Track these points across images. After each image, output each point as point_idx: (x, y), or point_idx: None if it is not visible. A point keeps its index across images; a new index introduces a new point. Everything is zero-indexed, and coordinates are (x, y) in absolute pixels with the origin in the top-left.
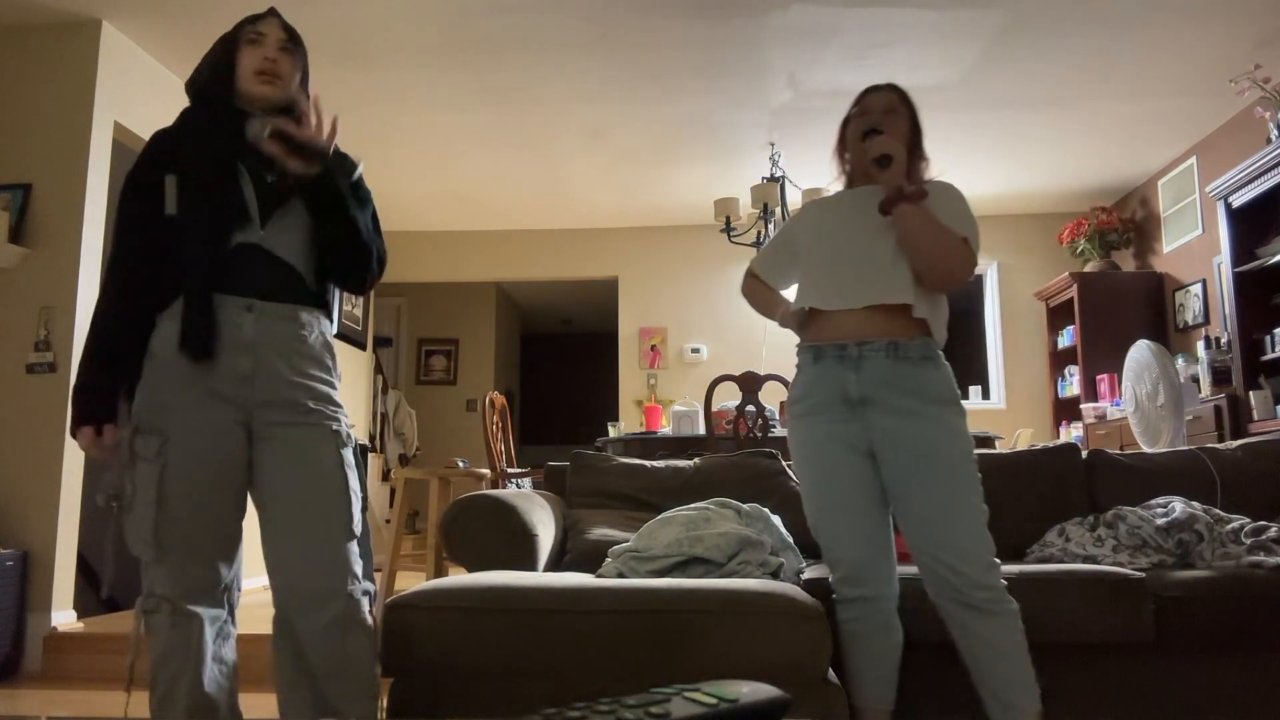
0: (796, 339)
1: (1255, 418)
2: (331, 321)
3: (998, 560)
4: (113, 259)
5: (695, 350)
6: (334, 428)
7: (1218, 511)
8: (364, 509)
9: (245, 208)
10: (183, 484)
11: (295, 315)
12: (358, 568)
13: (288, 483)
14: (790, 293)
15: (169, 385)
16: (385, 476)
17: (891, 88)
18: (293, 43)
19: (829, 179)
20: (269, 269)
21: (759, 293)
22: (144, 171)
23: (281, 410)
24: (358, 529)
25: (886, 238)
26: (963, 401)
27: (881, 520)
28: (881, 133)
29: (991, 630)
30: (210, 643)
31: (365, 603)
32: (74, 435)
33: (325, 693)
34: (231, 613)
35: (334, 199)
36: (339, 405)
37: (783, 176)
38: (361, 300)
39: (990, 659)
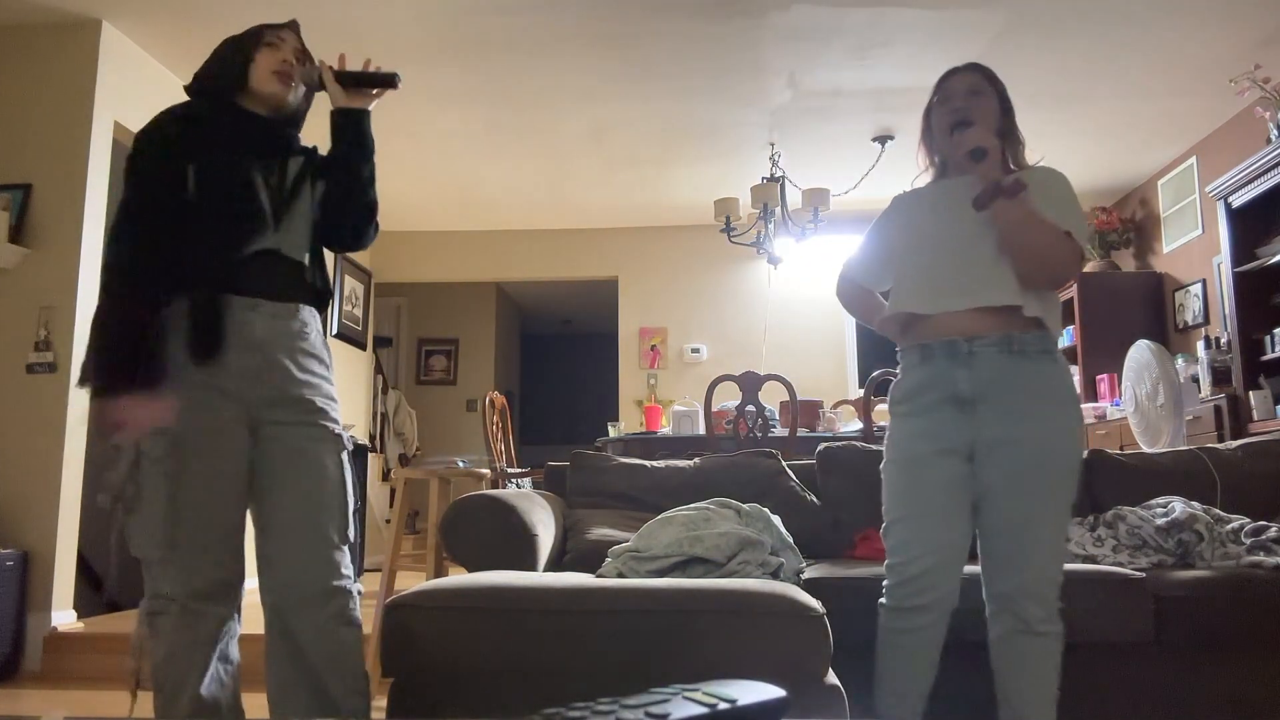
0: (805, 336)
1: (1255, 418)
2: (326, 318)
3: (1062, 579)
4: (125, 234)
5: (695, 350)
6: (335, 430)
7: (1218, 511)
8: (357, 511)
9: (264, 215)
10: (192, 483)
11: (297, 313)
12: (348, 569)
13: (289, 482)
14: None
15: (175, 387)
16: (385, 476)
17: (975, 67)
18: (306, 56)
19: (836, 178)
20: (278, 270)
21: (855, 297)
22: (157, 147)
23: (287, 409)
24: (352, 534)
25: (987, 234)
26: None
27: (968, 531)
28: (971, 123)
29: (1034, 647)
30: (218, 643)
31: (356, 601)
32: (115, 414)
33: (325, 689)
34: (238, 610)
35: (361, 139)
36: (336, 402)
37: (783, 176)
38: (361, 300)
39: (1023, 677)
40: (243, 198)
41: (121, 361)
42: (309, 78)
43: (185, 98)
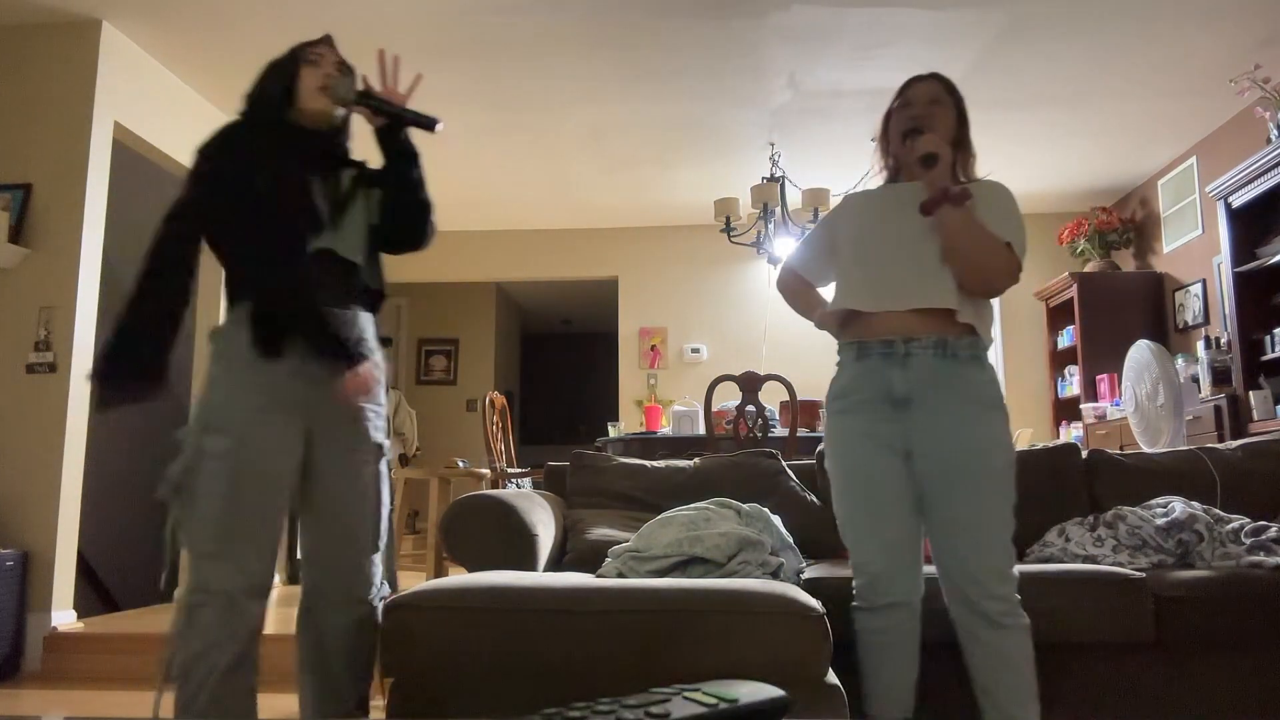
0: (805, 336)
1: (1255, 418)
2: (375, 319)
3: (1015, 574)
4: (170, 235)
5: (695, 350)
6: (376, 440)
7: (1218, 511)
8: (390, 516)
9: (319, 214)
10: (249, 481)
11: (355, 320)
12: (377, 576)
13: (332, 490)
14: (827, 290)
15: (239, 386)
16: None
17: (936, 77)
18: (345, 68)
19: (836, 178)
20: (337, 273)
21: (796, 290)
22: (224, 154)
23: (335, 414)
24: (382, 542)
25: (931, 239)
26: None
27: (915, 525)
28: (920, 131)
29: (1001, 642)
30: (251, 639)
31: (380, 607)
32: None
33: (335, 674)
34: (265, 610)
35: (406, 150)
36: (383, 407)
37: (783, 176)
38: None
39: (996, 670)
40: (301, 201)
41: (144, 355)
42: (342, 96)
43: (187, 96)
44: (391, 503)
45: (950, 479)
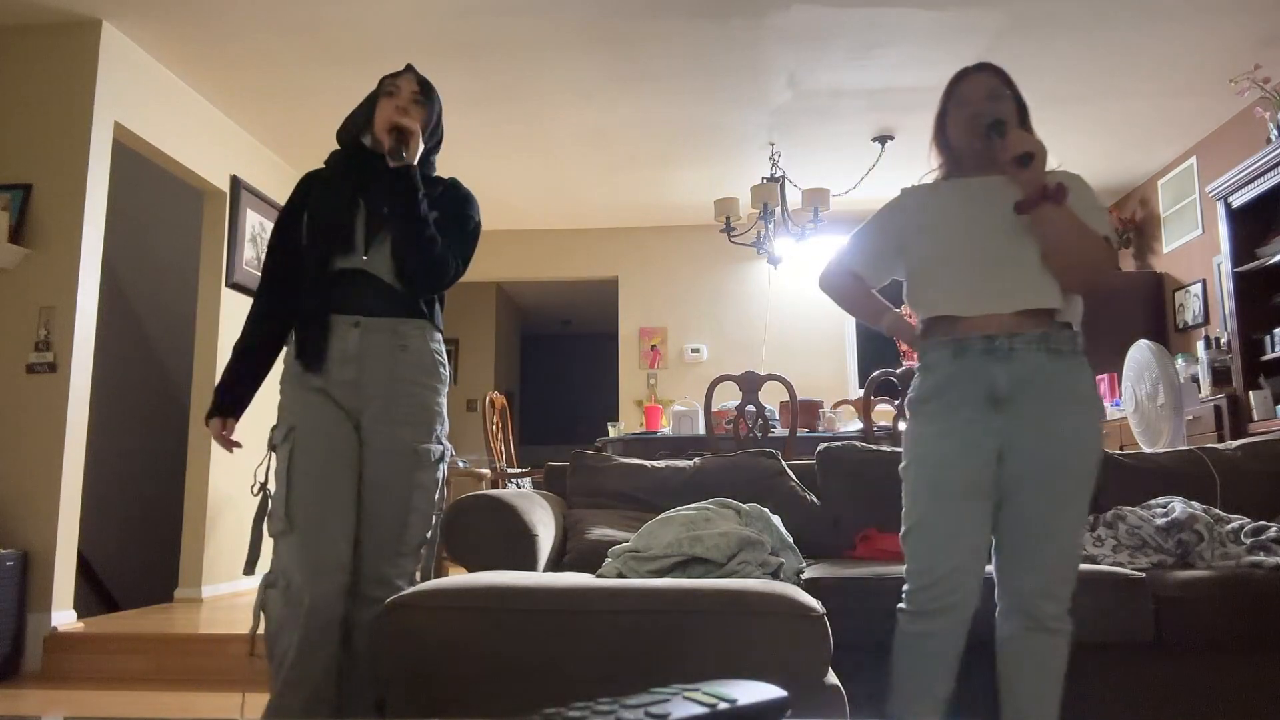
0: (805, 336)
1: (1255, 418)
2: (438, 331)
3: (1076, 578)
4: (263, 281)
5: (695, 350)
6: (413, 445)
7: (1218, 511)
8: (437, 516)
9: (350, 237)
10: (307, 464)
11: (394, 328)
12: (402, 579)
13: (368, 489)
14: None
15: (294, 389)
16: None
17: (989, 69)
18: (424, 95)
19: (836, 179)
20: (371, 290)
21: (856, 294)
22: (291, 206)
23: (376, 417)
24: (408, 546)
25: (1022, 237)
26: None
27: (989, 535)
28: (1004, 123)
29: (1044, 645)
30: (318, 622)
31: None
32: (207, 423)
33: (356, 671)
34: (339, 595)
35: (403, 184)
36: (436, 411)
37: (783, 176)
38: None
39: (1030, 675)
40: (336, 226)
41: (218, 394)
42: (394, 155)
43: (187, 96)
44: (438, 508)
45: (1045, 477)
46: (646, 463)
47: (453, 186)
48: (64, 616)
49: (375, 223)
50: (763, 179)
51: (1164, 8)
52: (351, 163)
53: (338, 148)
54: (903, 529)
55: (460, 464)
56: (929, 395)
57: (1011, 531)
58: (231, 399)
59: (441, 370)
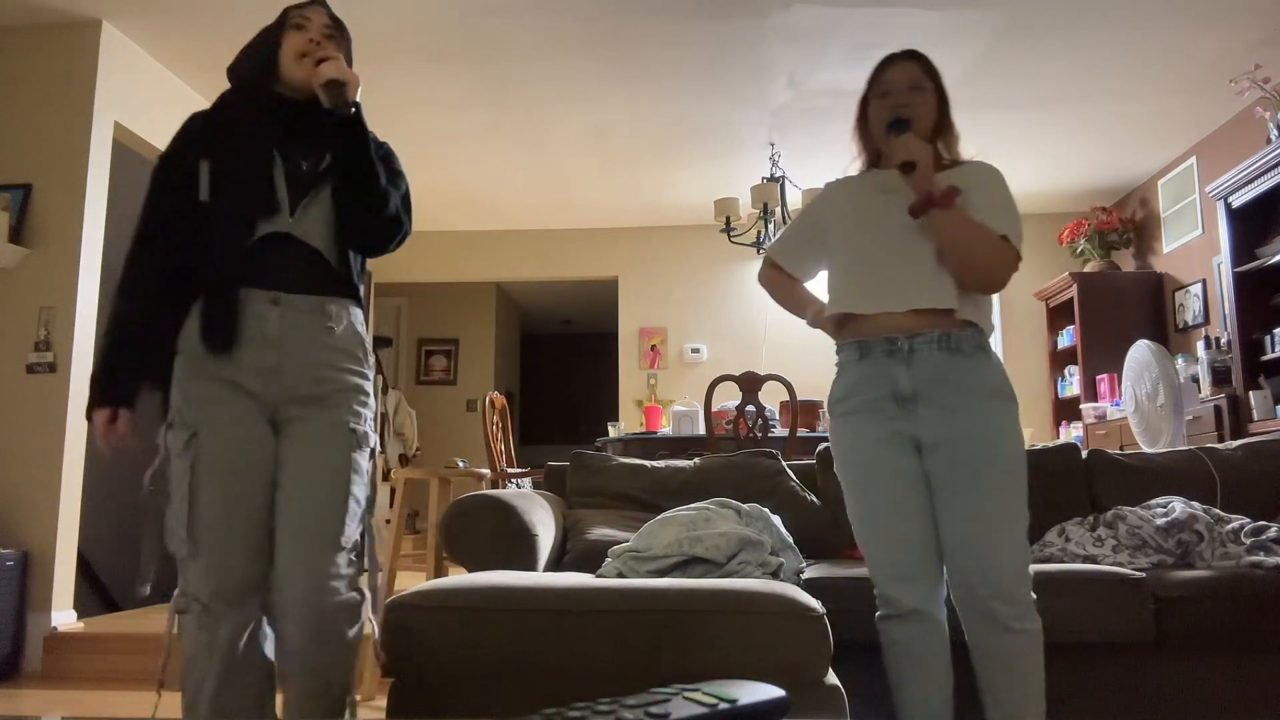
0: (805, 336)
1: (1255, 418)
2: (363, 310)
3: (1031, 572)
4: (137, 240)
5: (695, 350)
6: (351, 426)
7: (1218, 511)
8: (368, 512)
9: (274, 195)
10: (213, 478)
11: (322, 307)
12: (340, 581)
13: (292, 485)
14: (814, 284)
15: (195, 379)
16: (385, 476)
17: (912, 55)
18: (337, 29)
19: (831, 178)
20: (296, 259)
21: (781, 285)
22: (178, 153)
23: (302, 406)
24: (347, 541)
25: (925, 236)
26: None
27: (931, 526)
28: (907, 122)
29: (1010, 645)
30: (237, 647)
31: (346, 614)
32: (89, 418)
33: (301, 686)
34: (267, 612)
35: (352, 134)
36: (366, 396)
37: (783, 176)
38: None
39: (1003, 673)
40: (253, 177)
41: (102, 379)
42: (335, 103)
43: (186, 96)
44: (370, 501)
45: (964, 474)
46: (646, 463)
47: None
48: (64, 616)
49: (298, 180)
50: (763, 179)
51: (1164, 8)
52: (256, 108)
53: (228, 87)
54: (854, 532)
55: (460, 464)
56: (843, 395)
57: (947, 531)
58: (123, 392)
59: (368, 353)
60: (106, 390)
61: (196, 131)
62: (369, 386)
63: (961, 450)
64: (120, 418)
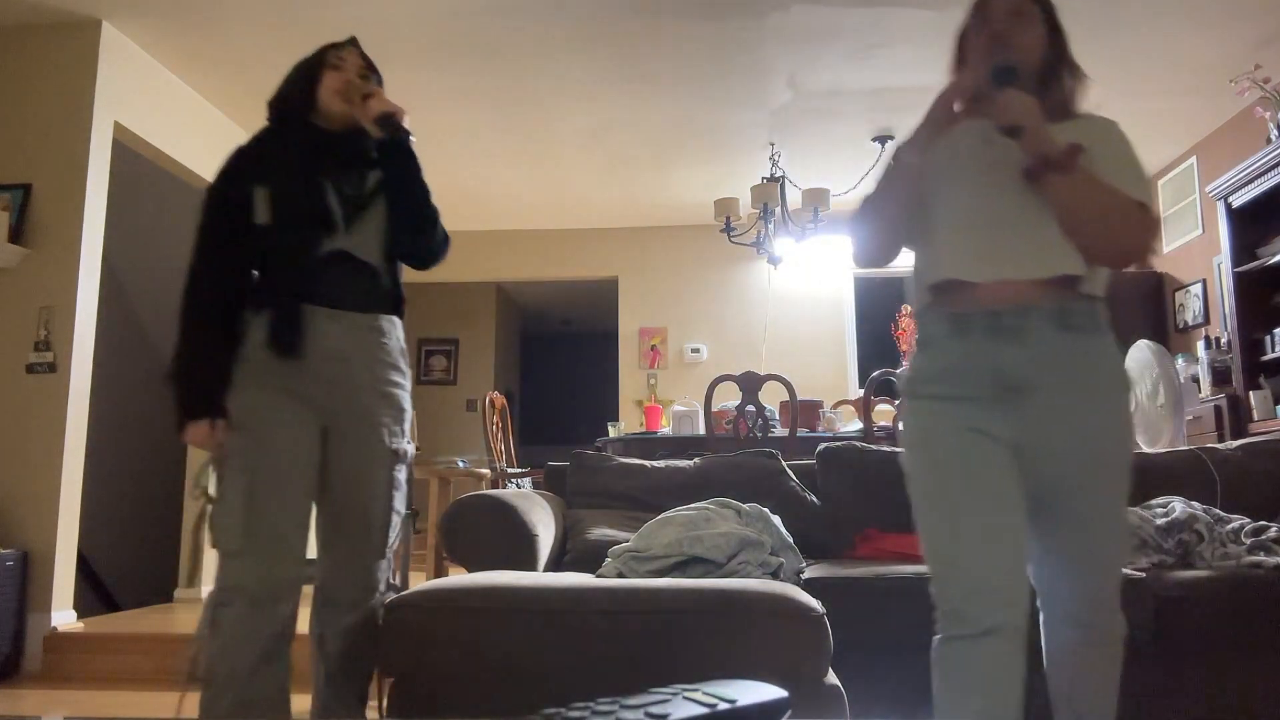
0: (805, 336)
1: (1255, 418)
2: (403, 321)
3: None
4: (200, 260)
5: (695, 350)
6: (392, 445)
7: (1218, 511)
8: (403, 519)
9: (331, 215)
10: (268, 479)
11: (376, 323)
12: (382, 581)
13: (342, 493)
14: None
15: (255, 385)
16: None
17: None
18: (370, 71)
19: (836, 178)
20: (353, 275)
21: (879, 230)
22: (228, 185)
23: (353, 418)
24: (389, 550)
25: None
26: None
27: (1023, 533)
28: (1014, 70)
29: (1101, 659)
30: (276, 641)
31: (380, 612)
32: (182, 432)
33: (331, 674)
34: (295, 611)
35: (408, 160)
36: (407, 411)
37: (783, 176)
38: None
39: (1088, 689)
40: (311, 203)
41: (198, 394)
42: (383, 128)
43: (186, 96)
44: (407, 509)
45: (1082, 476)
46: (646, 463)
47: None
48: (64, 616)
49: (349, 202)
50: (763, 179)
51: (1164, 8)
52: (301, 139)
53: (268, 124)
54: (922, 539)
55: (460, 464)
56: (933, 377)
57: (1051, 537)
58: (217, 394)
59: (407, 363)
60: (200, 405)
61: (247, 160)
62: (409, 400)
63: (1080, 456)
64: (218, 426)
